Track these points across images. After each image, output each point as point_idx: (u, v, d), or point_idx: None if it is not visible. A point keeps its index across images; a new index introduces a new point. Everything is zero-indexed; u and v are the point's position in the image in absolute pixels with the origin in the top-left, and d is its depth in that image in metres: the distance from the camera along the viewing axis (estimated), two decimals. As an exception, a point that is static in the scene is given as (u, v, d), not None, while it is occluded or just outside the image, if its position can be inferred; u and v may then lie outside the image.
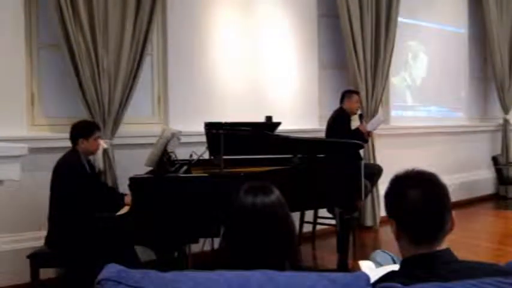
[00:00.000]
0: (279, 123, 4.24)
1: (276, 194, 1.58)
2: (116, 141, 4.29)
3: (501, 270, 1.39)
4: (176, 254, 3.61)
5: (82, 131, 3.60)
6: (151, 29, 4.41)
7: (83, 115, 4.08)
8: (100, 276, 1.28)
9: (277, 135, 4.12)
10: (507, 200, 7.90)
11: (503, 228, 6.58)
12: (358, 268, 2.06)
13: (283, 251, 1.54)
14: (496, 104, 8.32)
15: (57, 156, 3.60)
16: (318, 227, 5.46)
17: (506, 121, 8.19)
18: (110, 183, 4.17)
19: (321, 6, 6.03)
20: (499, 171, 7.62)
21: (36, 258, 3.41)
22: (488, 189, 8.14)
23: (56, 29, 3.97)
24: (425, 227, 1.45)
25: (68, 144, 3.65)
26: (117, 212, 3.53)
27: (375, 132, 5.67)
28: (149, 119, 4.80)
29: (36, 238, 3.81)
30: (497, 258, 4.65)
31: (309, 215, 5.35)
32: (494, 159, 7.65)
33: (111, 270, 1.29)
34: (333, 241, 4.63)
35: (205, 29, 5.05)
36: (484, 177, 8.04)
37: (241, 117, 4.56)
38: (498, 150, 8.11)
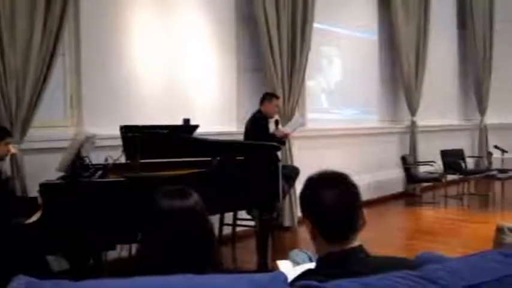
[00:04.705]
0: (196, 126, 4.22)
1: (194, 198, 1.57)
2: (25, 145, 4.06)
3: (409, 264, 1.48)
4: (92, 261, 3.49)
5: None
6: (62, 28, 4.23)
7: (-12, 118, 3.84)
8: (8, 289, 1.22)
9: (195, 138, 4.10)
10: (415, 197, 8.37)
11: (413, 223, 6.98)
12: (277, 268, 2.09)
13: (202, 254, 1.54)
14: (404, 106, 8.76)
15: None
16: (238, 228, 5.49)
17: (413, 123, 8.66)
18: (18, 190, 3.95)
19: (240, 9, 6.08)
20: (407, 170, 8.07)
21: None
22: (398, 187, 8.57)
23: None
24: (339, 225, 1.50)
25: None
26: (27, 217, 3.35)
27: (292, 134, 5.79)
28: (62, 122, 4.60)
29: None
30: (408, 253, 4.90)
31: (229, 217, 5.37)
32: (403, 159, 8.09)
33: (20, 281, 1.23)
34: (253, 242, 4.68)
35: (121, 29, 4.92)
36: (393, 176, 8.43)
37: (159, 120, 4.50)
38: (407, 151, 8.58)
